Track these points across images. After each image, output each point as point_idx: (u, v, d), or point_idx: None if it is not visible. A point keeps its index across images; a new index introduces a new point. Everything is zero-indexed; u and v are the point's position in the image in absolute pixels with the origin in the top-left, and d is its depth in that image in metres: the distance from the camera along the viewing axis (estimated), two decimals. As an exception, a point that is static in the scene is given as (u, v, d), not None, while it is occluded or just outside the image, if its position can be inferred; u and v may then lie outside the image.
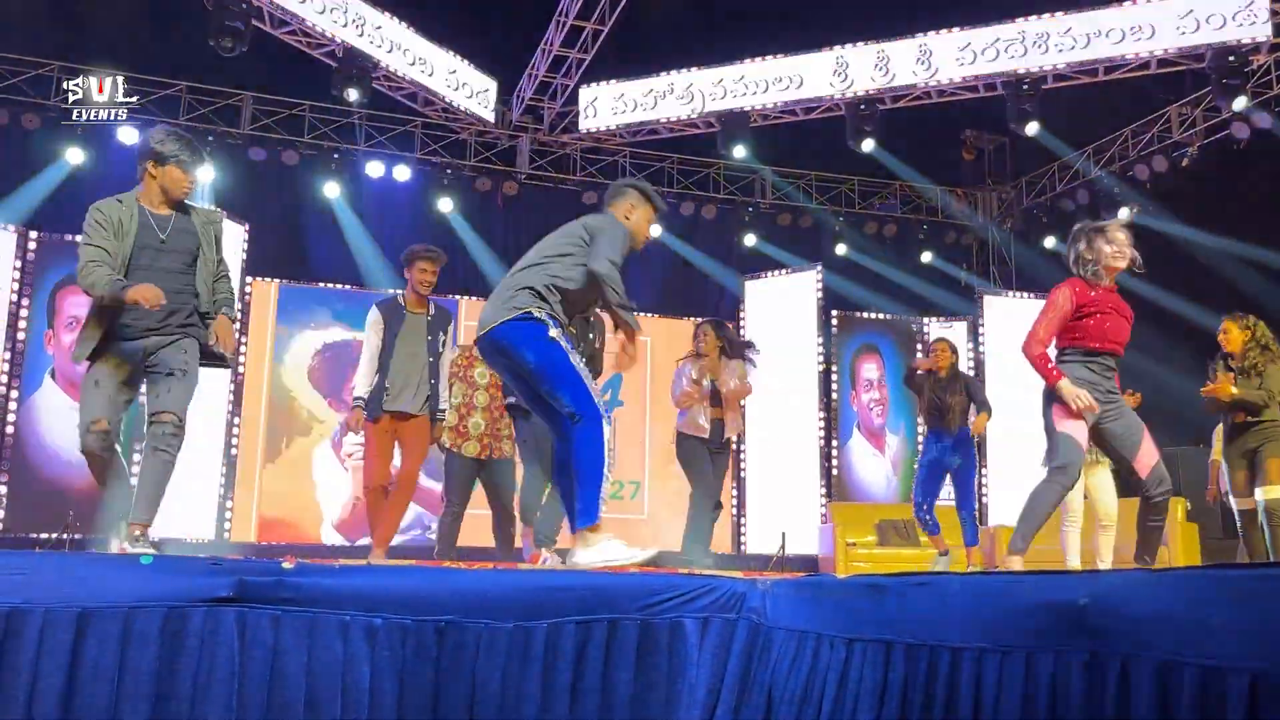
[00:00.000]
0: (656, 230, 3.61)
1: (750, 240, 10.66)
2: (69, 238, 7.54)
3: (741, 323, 9.81)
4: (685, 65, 9.91)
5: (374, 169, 9.71)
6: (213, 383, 8.24)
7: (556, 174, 10.53)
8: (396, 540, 5.32)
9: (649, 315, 9.50)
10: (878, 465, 9.83)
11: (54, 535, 7.18)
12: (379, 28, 9.03)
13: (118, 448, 3.66)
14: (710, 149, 10.30)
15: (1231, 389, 5.05)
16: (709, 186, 10.86)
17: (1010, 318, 9.52)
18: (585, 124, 10.14)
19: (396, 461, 5.07)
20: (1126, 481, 6.05)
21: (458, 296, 9.25)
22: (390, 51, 9.12)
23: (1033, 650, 1.55)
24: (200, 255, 3.73)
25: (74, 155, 8.44)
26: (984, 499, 9.44)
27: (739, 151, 9.73)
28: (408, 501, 5.09)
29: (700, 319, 6.89)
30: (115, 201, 3.64)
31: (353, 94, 8.71)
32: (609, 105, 10.05)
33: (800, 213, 10.96)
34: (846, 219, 11.01)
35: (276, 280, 8.93)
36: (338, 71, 8.72)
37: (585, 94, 10.09)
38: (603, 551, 3.28)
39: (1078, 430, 3.71)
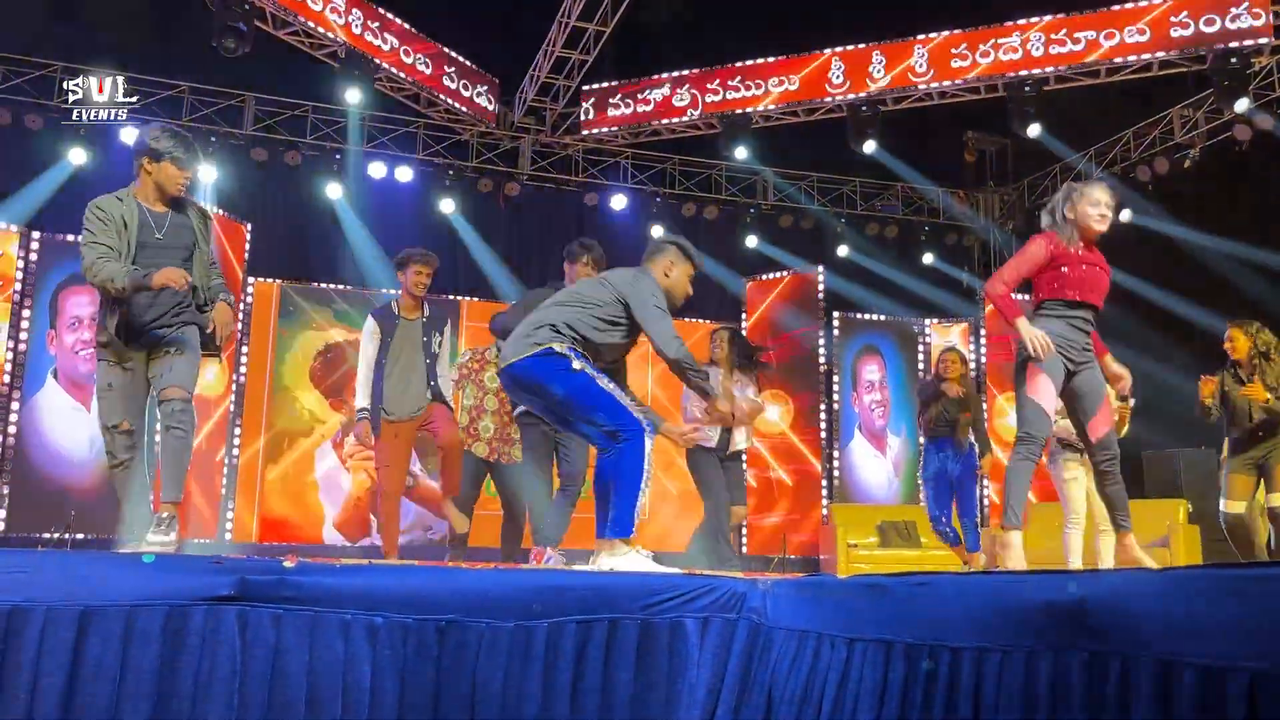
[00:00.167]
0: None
1: (752, 241, 10.66)
2: (71, 238, 7.54)
3: (743, 324, 9.81)
4: (687, 67, 9.92)
5: (376, 170, 9.72)
6: (214, 383, 8.25)
7: (558, 175, 10.54)
8: (397, 541, 5.32)
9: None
10: (879, 466, 9.82)
11: (56, 535, 7.19)
12: (381, 28, 9.05)
13: (143, 452, 3.70)
14: (712, 150, 10.31)
15: (1266, 394, 5.04)
16: (710, 188, 10.86)
17: (1012, 319, 9.49)
18: (587, 125, 10.15)
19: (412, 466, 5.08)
20: (1128, 482, 6.05)
21: (459, 297, 9.25)
22: (392, 52, 9.13)
23: (1033, 650, 1.56)
24: (196, 249, 3.76)
25: (77, 156, 8.45)
26: (984, 505, 9.43)
27: (740, 153, 9.74)
28: (460, 461, 5.11)
29: (715, 323, 6.87)
30: (114, 199, 3.67)
31: (355, 95, 8.72)
32: (611, 106, 10.07)
33: (802, 214, 10.96)
34: (848, 220, 11.01)
35: (278, 280, 8.94)
36: (340, 72, 8.73)
37: (587, 95, 10.11)
38: (626, 562, 3.28)
39: (1047, 399, 3.67)
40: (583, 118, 10.15)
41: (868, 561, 7.96)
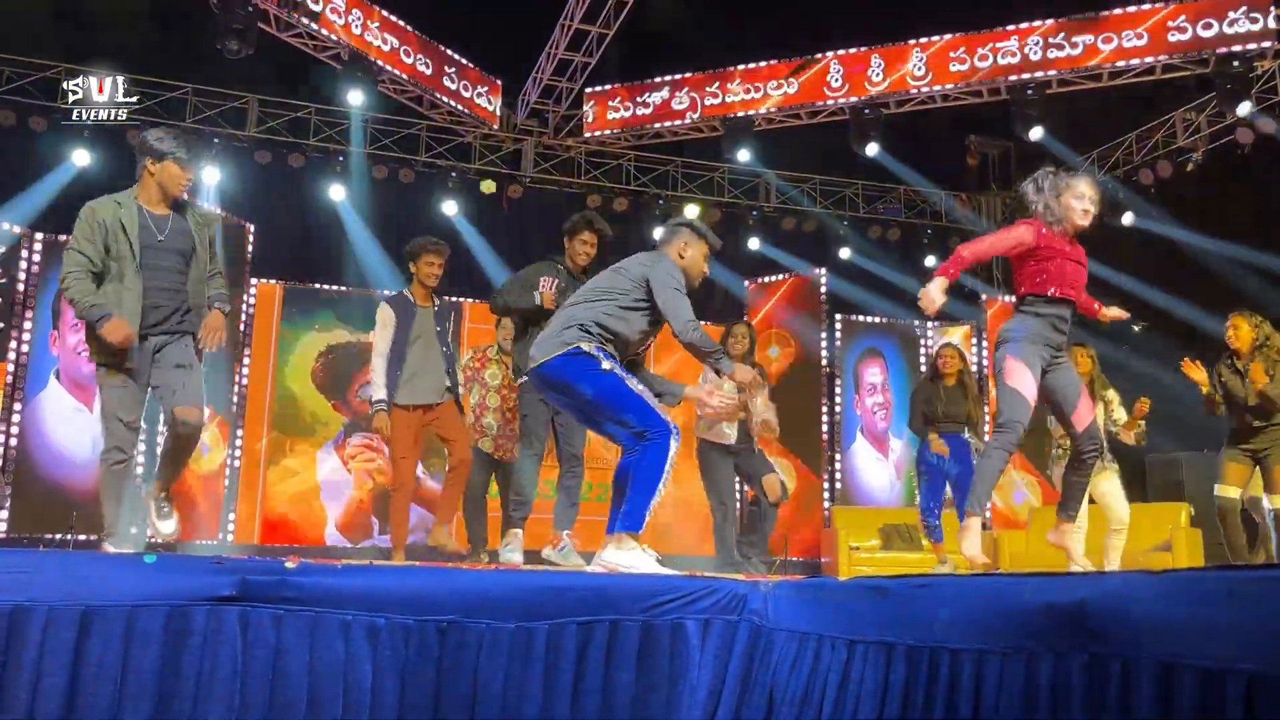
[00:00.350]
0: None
1: (754, 244, 10.67)
2: (74, 239, 7.56)
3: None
4: (689, 69, 9.93)
5: (379, 171, 9.74)
6: (216, 384, 8.26)
7: (561, 177, 10.55)
8: (406, 538, 5.31)
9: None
10: (881, 469, 9.82)
11: (58, 535, 7.19)
12: (384, 30, 9.06)
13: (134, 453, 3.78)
14: (714, 153, 10.32)
15: (1265, 378, 5.02)
16: (713, 190, 10.87)
17: (1014, 322, 9.50)
18: (590, 127, 10.16)
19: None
20: (1131, 486, 6.06)
21: (461, 299, 9.26)
22: (392, 53, 9.14)
23: (1033, 652, 1.56)
24: (194, 255, 3.77)
25: (80, 157, 8.47)
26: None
27: (743, 155, 9.75)
28: (463, 484, 5.08)
29: (717, 325, 6.84)
30: (112, 202, 3.67)
31: (358, 97, 8.74)
32: (613, 109, 10.08)
33: (804, 216, 10.97)
34: (850, 223, 11.01)
35: (281, 282, 8.95)
36: (343, 74, 8.74)
37: (590, 98, 10.12)
38: (632, 558, 3.28)
39: (1026, 387, 3.65)
40: (585, 120, 10.16)
41: (869, 564, 7.96)
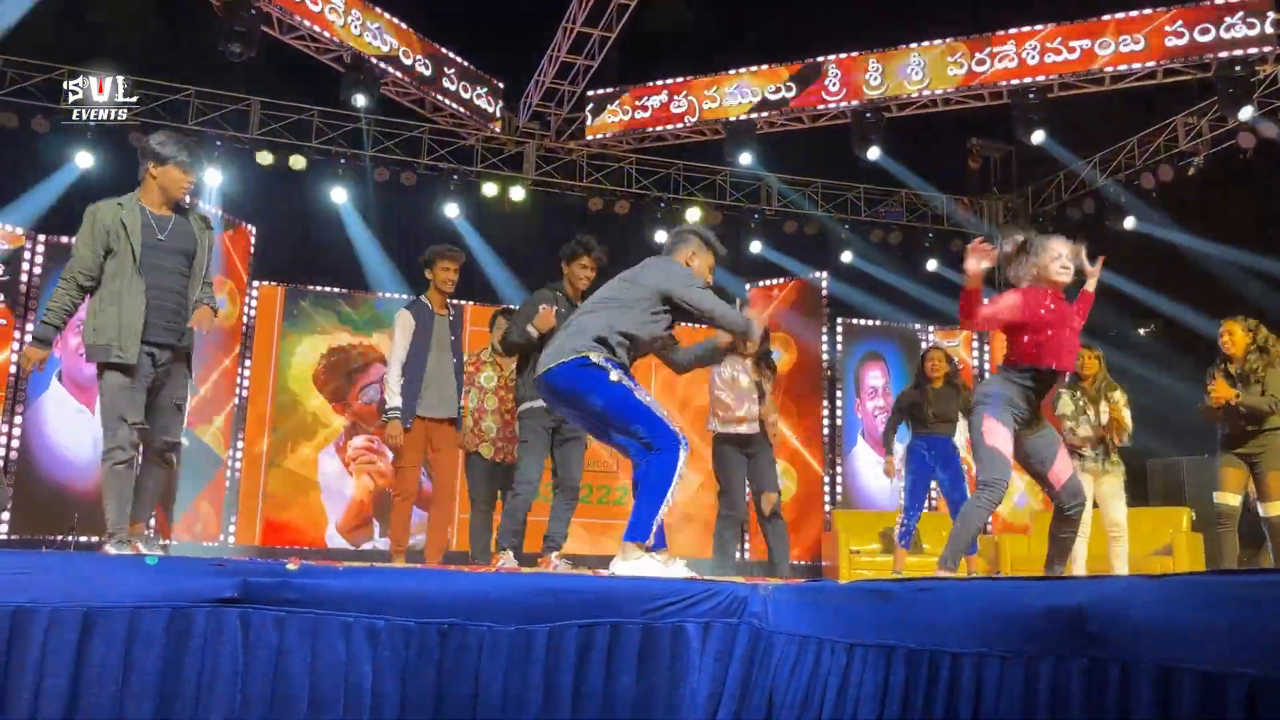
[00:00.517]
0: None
1: (756, 247, 10.67)
2: (77, 241, 7.56)
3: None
4: (691, 72, 9.94)
5: (381, 174, 9.75)
6: (217, 384, 8.26)
7: (563, 180, 10.56)
8: (406, 544, 5.31)
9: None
10: (882, 473, 9.80)
11: (59, 537, 7.19)
12: (387, 33, 9.07)
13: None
14: (716, 156, 10.32)
15: (1234, 392, 5.02)
16: (715, 193, 10.87)
17: (1015, 326, 9.49)
18: (592, 130, 10.17)
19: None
20: (1132, 490, 6.06)
21: (462, 302, 9.25)
22: (392, 53, 9.15)
23: (1033, 656, 1.56)
24: (195, 259, 3.78)
25: (83, 159, 8.48)
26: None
27: (745, 158, 9.75)
28: (452, 515, 5.07)
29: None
30: (115, 204, 3.69)
31: (360, 100, 8.74)
32: (615, 112, 10.08)
33: (806, 220, 10.97)
34: (852, 226, 11.01)
35: (283, 284, 8.96)
36: (345, 77, 8.75)
37: (592, 100, 10.13)
38: (638, 566, 3.29)
39: (1004, 444, 3.64)
40: (588, 123, 10.17)
41: (870, 568, 7.95)
